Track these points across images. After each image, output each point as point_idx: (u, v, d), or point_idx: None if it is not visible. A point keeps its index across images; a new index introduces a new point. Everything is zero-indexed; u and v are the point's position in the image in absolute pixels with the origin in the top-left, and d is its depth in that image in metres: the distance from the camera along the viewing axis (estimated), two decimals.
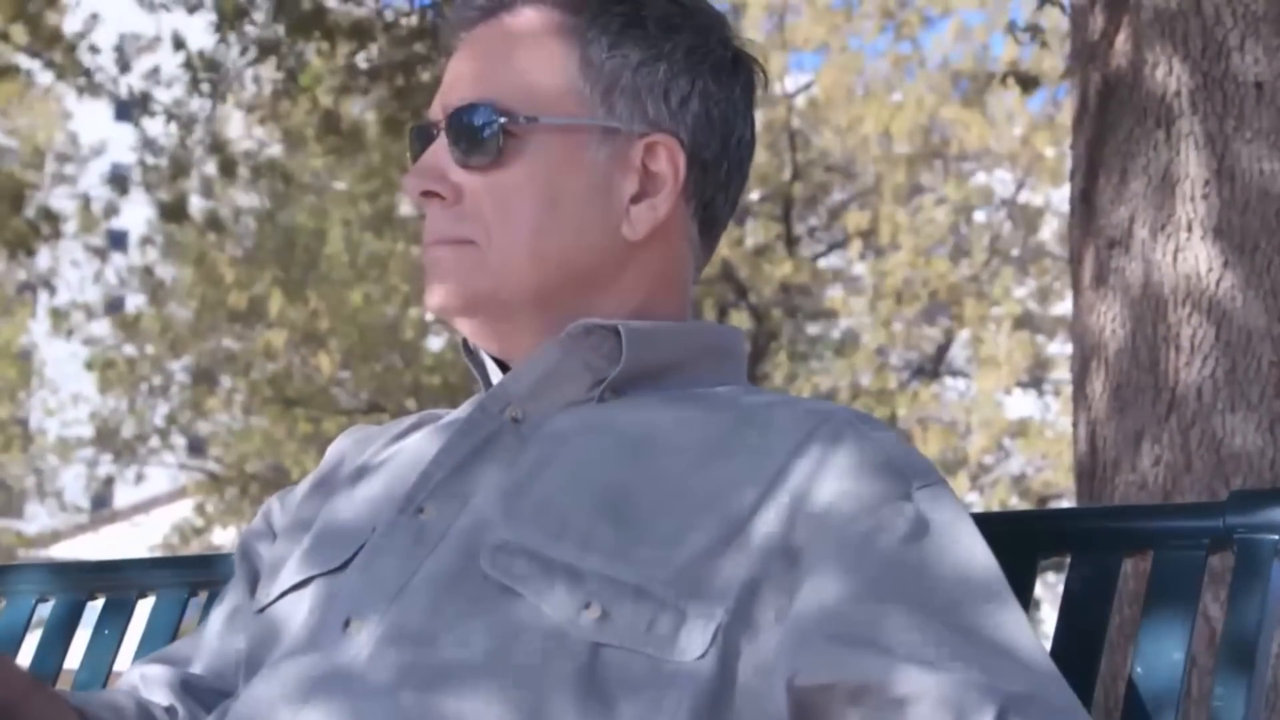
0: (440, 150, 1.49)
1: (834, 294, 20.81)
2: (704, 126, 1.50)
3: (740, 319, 18.85)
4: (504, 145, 1.45)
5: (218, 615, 1.60)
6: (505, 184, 1.46)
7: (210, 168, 12.20)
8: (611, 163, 1.47)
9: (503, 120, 1.45)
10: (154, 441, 21.20)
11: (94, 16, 11.34)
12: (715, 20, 1.54)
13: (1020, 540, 1.58)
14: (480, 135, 1.45)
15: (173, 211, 12.59)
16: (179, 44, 10.47)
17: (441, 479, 1.42)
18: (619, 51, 1.48)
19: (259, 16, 9.13)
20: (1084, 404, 4.16)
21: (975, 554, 1.32)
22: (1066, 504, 17.95)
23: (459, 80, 1.50)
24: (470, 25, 1.53)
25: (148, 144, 12.70)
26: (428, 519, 1.39)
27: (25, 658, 2.22)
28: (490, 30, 1.51)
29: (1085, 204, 4.23)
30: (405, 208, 15.73)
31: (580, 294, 1.47)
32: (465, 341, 1.55)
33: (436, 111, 1.50)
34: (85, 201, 16.96)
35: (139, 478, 22.90)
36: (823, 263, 21.27)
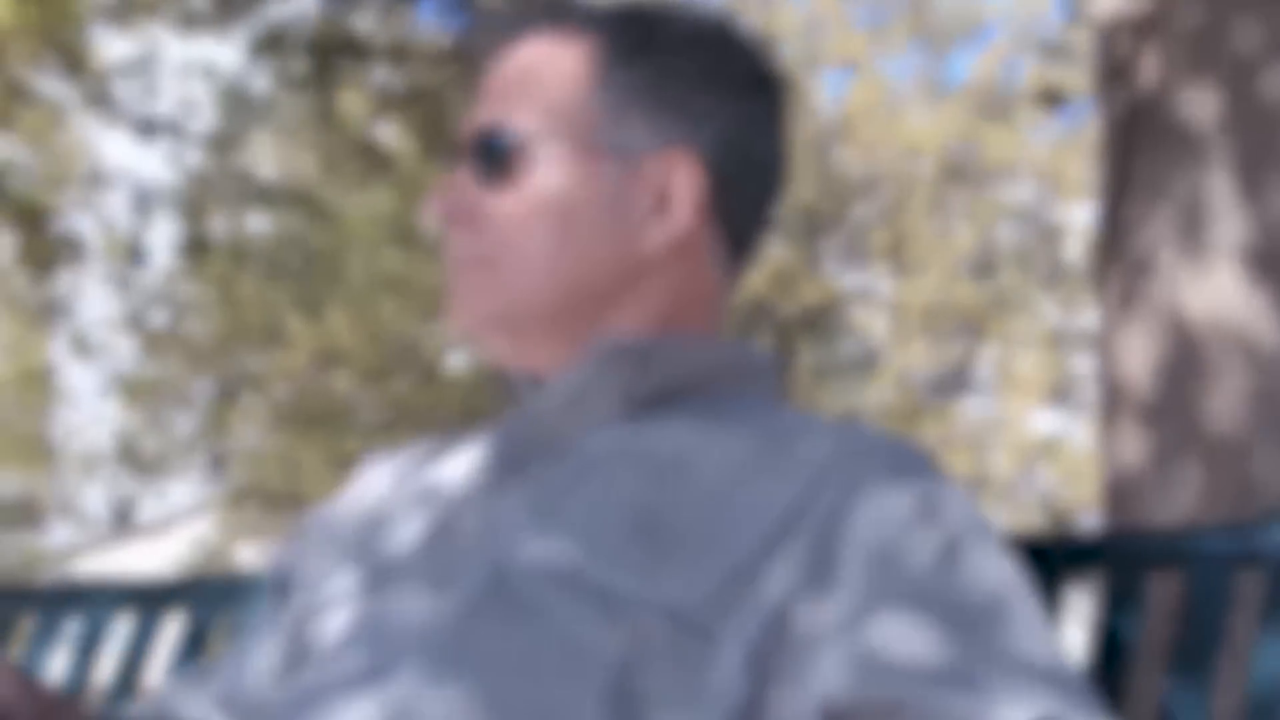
0: (464, 173, 1.51)
1: (858, 312, 20.79)
2: (723, 143, 1.50)
3: (761, 338, 18.84)
4: (517, 166, 1.47)
5: (251, 635, 1.60)
6: (518, 203, 1.47)
7: (239, 197, 12.21)
8: (625, 180, 1.48)
9: (515, 141, 1.47)
10: (176, 459, 21.24)
11: (144, 62, 11.34)
12: (739, 38, 1.55)
13: (1048, 560, 1.58)
14: (495, 157, 1.48)
15: (196, 245, 12.59)
16: (210, 72, 10.52)
17: (473, 500, 1.42)
18: (634, 70, 1.49)
19: (293, 41, 9.16)
20: (1111, 427, 4.14)
21: (1005, 575, 1.32)
22: (1090, 521, 17.93)
23: (481, 105, 1.52)
24: (494, 53, 1.55)
25: (175, 162, 12.70)
26: (459, 540, 1.39)
27: (41, 675, 2.23)
28: (512, 56, 1.53)
29: (1112, 226, 4.22)
30: (430, 226, 15.75)
31: (597, 309, 1.47)
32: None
33: (463, 136, 1.53)
34: (110, 232, 16.97)
35: (161, 495, 22.95)
36: (847, 281, 21.24)
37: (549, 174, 1.47)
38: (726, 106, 1.51)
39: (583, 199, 1.47)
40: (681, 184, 1.48)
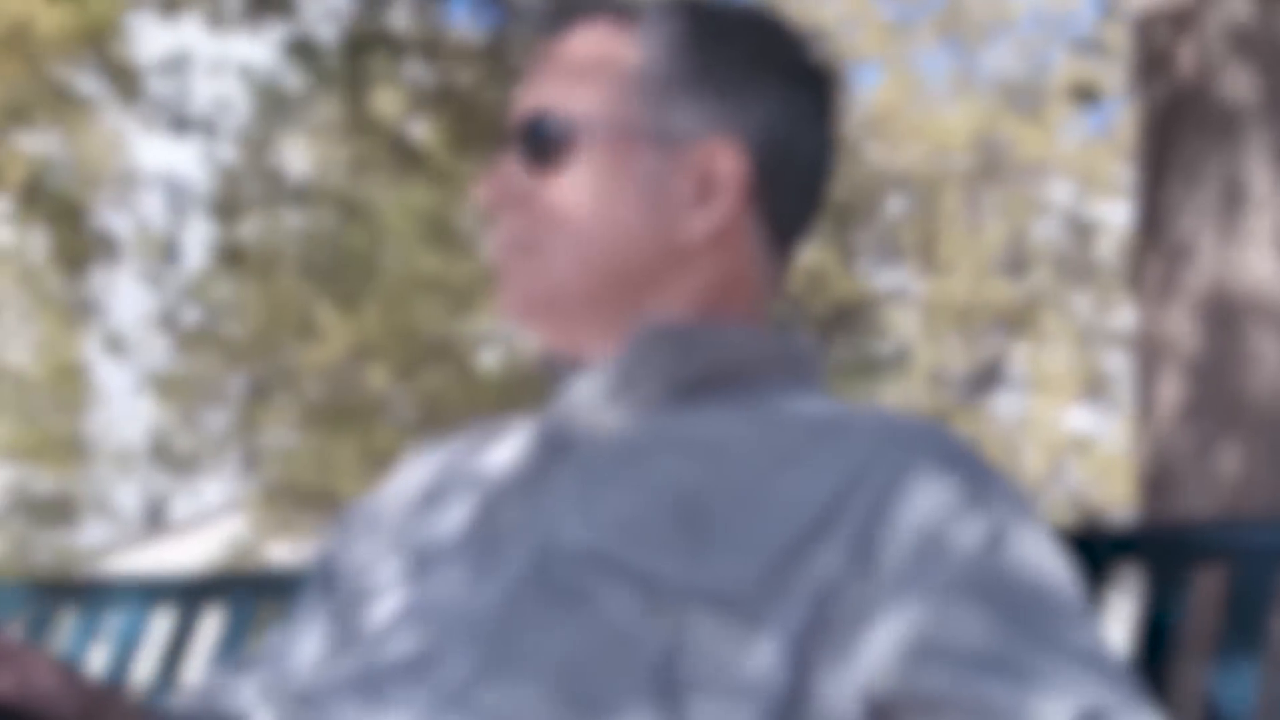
0: (511, 160, 1.52)
1: (890, 310, 20.74)
2: (767, 132, 1.50)
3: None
4: (561, 152, 1.48)
5: (295, 626, 1.60)
6: (561, 190, 1.48)
7: (272, 195, 12.24)
8: (667, 167, 1.48)
9: (560, 127, 1.48)
10: (209, 456, 21.29)
11: (177, 60, 11.34)
12: (788, 30, 1.55)
13: (1090, 552, 1.58)
14: (540, 143, 1.49)
15: (229, 242, 12.60)
16: (244, 70, 10.55)
17: (516, 488, 1.42)
18: (681, 57, 1.49)
19: (325, 39, 9.17)
20: (1149, 416, 4.13)
21: (1050, 565, 1.31)
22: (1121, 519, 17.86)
23: (528, 93, 1.53)
24: (542, 42, 1.56)
25: (208, 160, 12.73)
26: (502, 527, 1.40)
27: (91, 669, 2.24)
28: (559, 45, 1.54)
29: (1150, 215, 4.21)
30: (464, 222, 15.75)
31: (638, 295, 1.48)
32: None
33: (512, 122, 1.54)
34: (144, 230, 17.03)
35: (194, 493, 23.02)
36: (879, 278, 21.19)
37: (592, 159, 1.48)
38: (772, 96, 1.51)
39: (624, 185, 1.47)
40: (724, 172, 1.48)
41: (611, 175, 1.48)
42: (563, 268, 1.47)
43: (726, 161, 1.48)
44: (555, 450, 1.44)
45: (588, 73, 1.50)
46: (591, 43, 1.52)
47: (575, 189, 1.48)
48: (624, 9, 1.53)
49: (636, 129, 1.48)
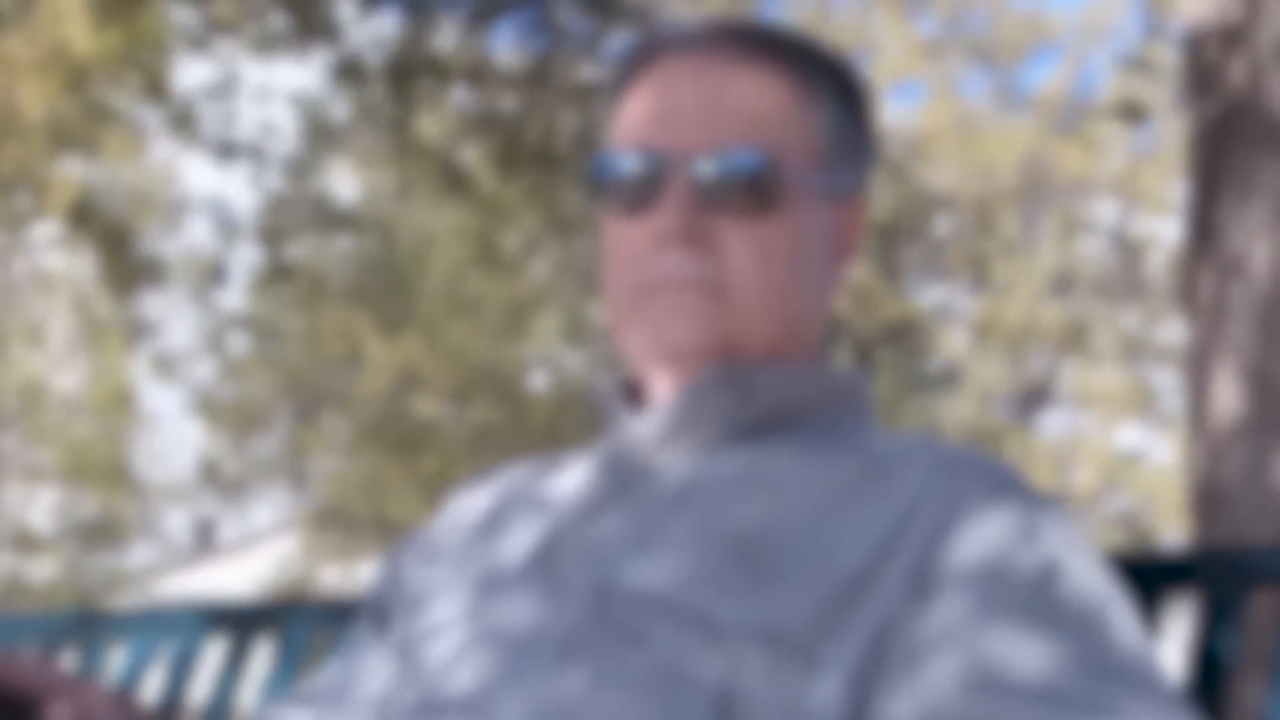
0: (689, 189, 1.44)
1: (939, 329, 20.70)
2: (864, 192, 1.54)
3: (841, 356, 18.77)
4: (771, 197, 1.44)
5: (350, 659, 1.59)
6: (767, 237, 1.44)
7: (318, 220, 12.27)
8: (828, 223, 1.50)
9: (772, 174, 1.44)
10: (258, 480, 21.37)
11: (224, 86, 11.37)
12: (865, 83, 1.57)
13: (1144, 579, 1.57)
14: (749, 183, 1.44)
15: (276, 268, 12.63)
16: (290, 96, 10.61)
17: (573, 525, 1.42)
18: (836, 112, 1.50)
19: (371, 65, 9.21)
20: (1201, 433, 4.11)
21: (1105, 593, 1.31)
22: (1170, 538, 17.78)
23: (711, 117, 1.47)
24: (684, 56, 1.50)
25: (255, 185, 12.76)
26: (560, 565, 1.39)
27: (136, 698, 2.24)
28: (722, 71, 1.48)
29: (1203, 229, 4.19)
30: (507, 245, 15.77)
31: (789, 347, 1.48)
32: (600, 381, 1.54)
33: (675, 143, 1.46)
34: (191, 255, 17.11)
35: (244, 518, 23.08)
36: (927, 296, 21.16)
37: (791, 210, 1.46)
38: (871, 155, 1.54)
39: (809, 240, 1.48)
40: (853, 229, 1.52)
41: (804, 227, 1.47)
42: (756, 317, 1.44)
43: (856, 220, 1.52)
44: (616, 488, 1.44)
45: (779, 114, 1.47)
46: (769, 80, 1.48)
47: (780, 238, 1.45)
48: (784, 46, 1.50)
49: (820, 183, 1.48)
